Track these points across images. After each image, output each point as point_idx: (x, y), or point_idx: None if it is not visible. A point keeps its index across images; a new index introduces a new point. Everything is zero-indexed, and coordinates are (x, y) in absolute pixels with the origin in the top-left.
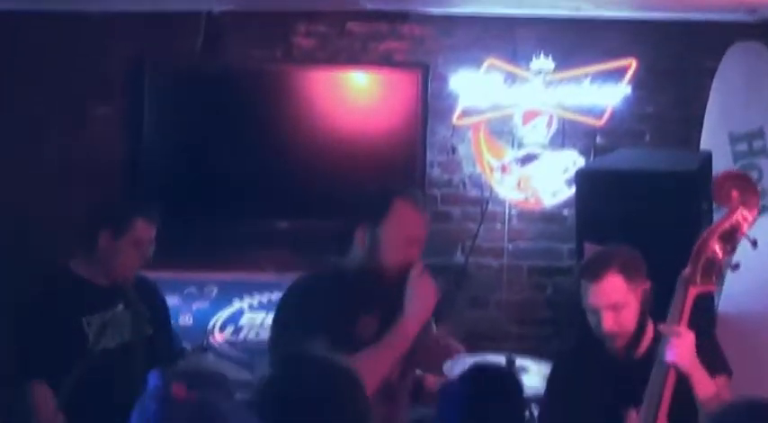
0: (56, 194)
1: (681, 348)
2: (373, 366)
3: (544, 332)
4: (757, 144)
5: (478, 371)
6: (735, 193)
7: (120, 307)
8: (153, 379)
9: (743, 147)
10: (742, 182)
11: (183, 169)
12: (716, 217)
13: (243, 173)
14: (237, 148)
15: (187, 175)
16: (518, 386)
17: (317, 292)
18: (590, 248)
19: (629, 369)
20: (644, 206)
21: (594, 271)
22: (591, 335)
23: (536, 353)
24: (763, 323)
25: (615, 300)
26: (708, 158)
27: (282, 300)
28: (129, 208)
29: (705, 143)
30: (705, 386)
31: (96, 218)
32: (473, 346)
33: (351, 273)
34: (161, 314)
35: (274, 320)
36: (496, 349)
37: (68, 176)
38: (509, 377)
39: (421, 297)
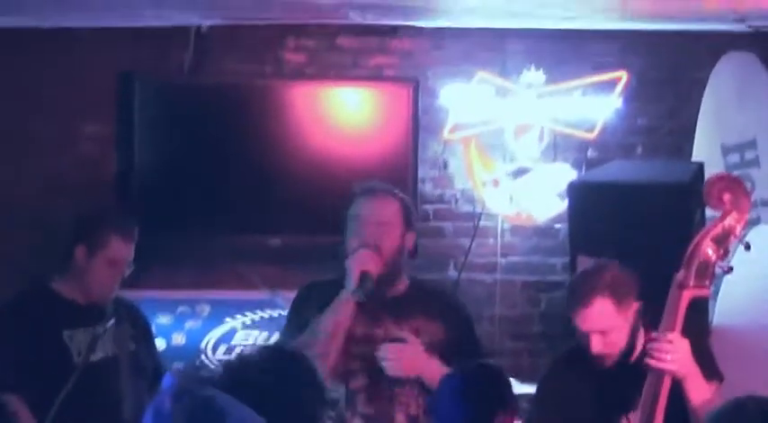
0: (45, 212)
1: (675, 354)
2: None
3: (538, 347)
4: (749, 155)
5: (469, 370)
6: (726, 196)
7: (102, 323)
8: (168, 379)
9: (735, 158)
10: (733, 185)
11: (175, 186)
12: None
13: (234, 189)
14: (228, 164)
15: (178, 192)
16: (507, 382)
17: None
18: (583, 262)
19: (622, 376)
20: (637, 218)
21: (582, 295)
22: (572, 348)
23: (528, 369)
24: (757, 336)
25: (603, 325)
26: (700, 170)
27: None
28: (104, 224)
29: (697, 154)
30: (700, 391)
31: (72, 232)
32: None
33: None
34: (143, 331)
35: None
36: None
37: (58, 192)
38: (498, 373)
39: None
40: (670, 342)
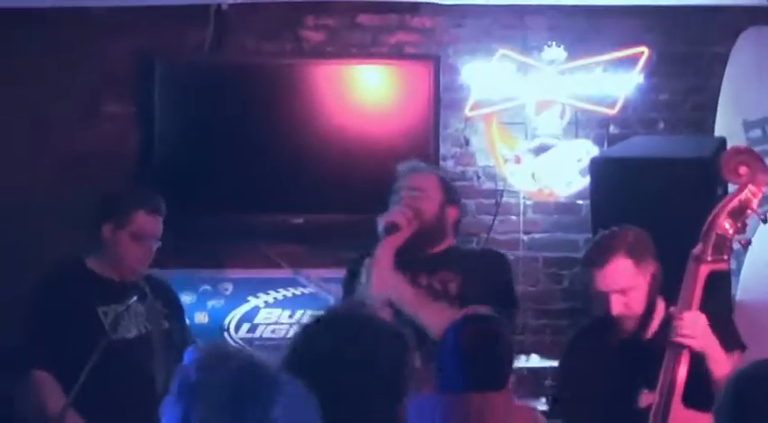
0: (68, 192)
1: (693, 328)
2: None
3: (561, 323)
4: None
5: (470, 320)
6: (743, 169)
7: (135, 300)
8: (190, 353)
9: (757, 133)
10: (750, 157)
11: (196, 165)
12: None
13: (256, 168)
14: (250, 142)
15: (200, 171)
16: (506, 333)
17: None
18: None
19: (642, 350)
20: (659, 193)
21: (601, 255)
22: (603, 317)
23: (551, 346)
24: None
25: (623, 284)
26: (722, 144)
27: None
28: (130, 200)
29: (719, 130)
30: (720, 364)
31: (99, 211)
32: None
33: None
34: (175, 310)
35: None
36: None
37: (81, 173)
38: (498, 323)
39: None
40: (687, 318)
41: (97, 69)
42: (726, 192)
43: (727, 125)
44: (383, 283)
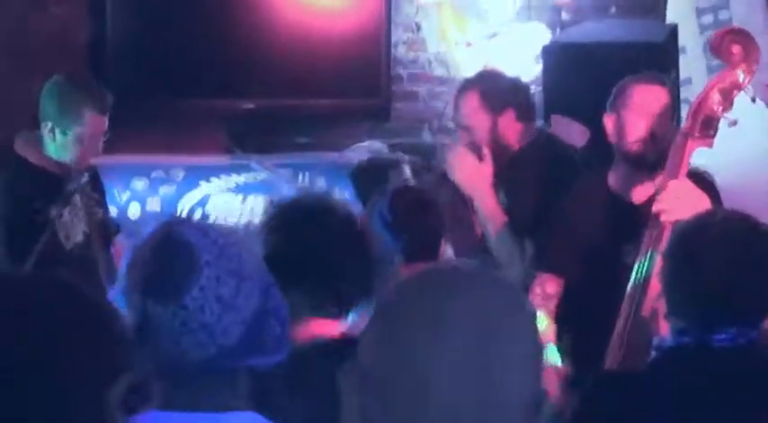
0: (18, 83)
1: (674, 201)
2: None
3: None
4: (723, 15)
5: (399, 191)
6: (736, 48)
7: (77, 196)
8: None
9: (708, 19)
10: (743, 37)
11: (149, 50)
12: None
13: (208, 53)
14: (203, 28)
15: (152, 57)
16: (436, 204)
17: None
18: (557, 120)
19: (632, 211)
20: (612, 78)
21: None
22: (594, 172)
23: None
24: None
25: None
26: (674, 30)
27: None
28: (78, 101)
29: (671, 15)
30: None
31: (42, 108)
32: None
33: None
34: (102, 194)
35: None
36: None
37: (30, 63)
38: (428, 194)
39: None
40: (670, 188)
41: None
42: (678, 76)
43: (679, 11)
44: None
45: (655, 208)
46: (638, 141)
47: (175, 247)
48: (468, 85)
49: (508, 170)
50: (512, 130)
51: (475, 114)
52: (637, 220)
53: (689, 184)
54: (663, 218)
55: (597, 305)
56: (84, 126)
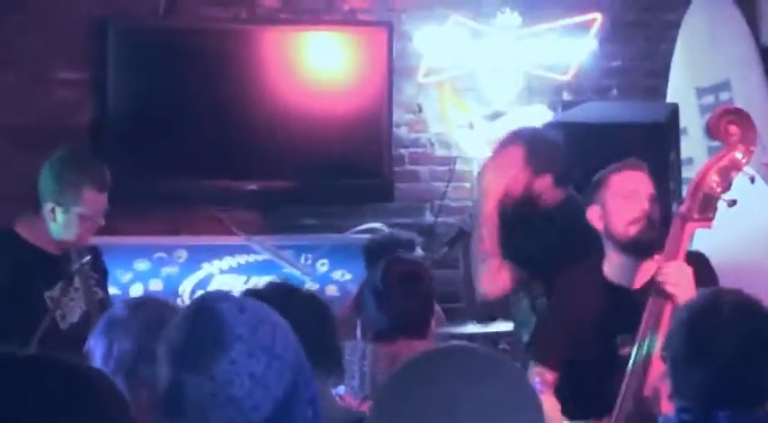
0: (20, 162)
1: (677, 276)
2: None
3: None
4: (723, 96)
5: (392, 262)
6: (733, 129)
7: (75, 276)
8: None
9: (710, 99)
10: (740, 117)
11: (150, 131)
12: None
13: (210, 134)
14: (204, 108)
15: (154, 137)
16: (428, 276)
17: None
18: None
19: (628, 298)
20: (612, 158)
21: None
22: (590, 262)
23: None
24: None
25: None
26: (675, 110)
27: None
28: (78, 178)
29: (672, 96)
30: None
31: (43, 187)
32: (441, 305)
33: None
34: (102, 274)
35: None
36: (465, 309)
37: (32, 142)
38: (420, 266)
39: None
40: (671, 266)
41: (49, 35)
42: (679, 157)
43: (680, 91)
44: None
45: (658, 278)
46: (625, 226)
47: (207, 318)
48: (514, 139)
49: (538, 222)
50: (547, 191)
51: (515, 168)
52: (634, 309)
53: (688, 268)
54: (668, 289)
55: (595, 390)
56: (83, 205)
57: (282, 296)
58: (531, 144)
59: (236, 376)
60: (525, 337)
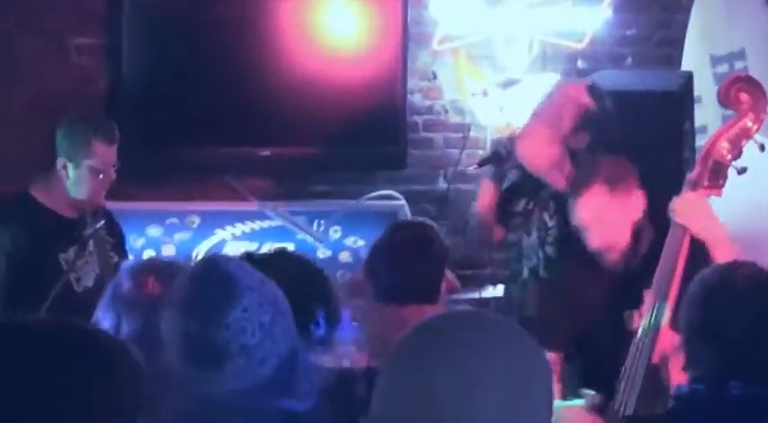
0: (38, 127)
1: (693, 207)
2: None
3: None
4: (739, 65)
5: (402, 225)
6: (744, 96)
7: (89, 237)
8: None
9: (724, 68)
10: (751, 85)
11: (165, 97)
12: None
13: (224, 100)
14: (218, 74)
15: (168, 104)
16: (438, 240)
17: None
18: None
19: (629, 275)
20: (626, 126)
21: (578, 186)
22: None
23: None
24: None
25: (599, 215)
26: (689, 79)
27: None
28: (87, 131)
29: (686, 65)
30: (723, 250)
31: (55, 143)
32: (454, 272)
33: None
34: (119, 238)
35: None
36: (477, 275)
37: (51, 108)
38: (430, 229)
39: None
40: (684, 198)
41: (65, 3)
42: (693, 125)
43: (695, 60)
44: None
45: (669, 212)
46: None
47: (216, 274)
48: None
49: None
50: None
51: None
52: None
53: (700, 200)
54: (678, 220)
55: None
56: (93, 157)
57: (275, 261)
58: (595, 99)
59: (249, 323)
60: (525, 272)
